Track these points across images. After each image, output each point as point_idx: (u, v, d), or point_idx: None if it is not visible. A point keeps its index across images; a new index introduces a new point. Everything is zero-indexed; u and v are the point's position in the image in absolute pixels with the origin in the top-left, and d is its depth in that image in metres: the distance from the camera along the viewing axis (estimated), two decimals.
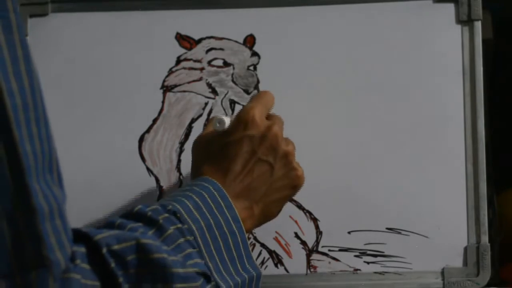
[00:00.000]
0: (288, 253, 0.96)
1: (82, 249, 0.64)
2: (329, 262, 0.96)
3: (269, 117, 0.85)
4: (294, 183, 0.84)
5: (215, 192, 0.78)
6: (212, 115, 0.86)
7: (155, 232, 0.71)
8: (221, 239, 0.76)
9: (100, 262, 0.64)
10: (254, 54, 0.99)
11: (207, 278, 0.72)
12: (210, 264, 0.74)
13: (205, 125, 0.98)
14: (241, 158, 0.81)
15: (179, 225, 0.73)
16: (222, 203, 0.78)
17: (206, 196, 0.77)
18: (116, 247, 0.65)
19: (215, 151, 0.82)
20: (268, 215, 0.83)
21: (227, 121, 0.82)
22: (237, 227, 0.77)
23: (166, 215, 0.73)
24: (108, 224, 0.71)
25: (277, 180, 0.82)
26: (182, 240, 0.72)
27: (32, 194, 0.58)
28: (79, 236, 0.65)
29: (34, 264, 0.58)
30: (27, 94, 0.60)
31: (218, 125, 0.82)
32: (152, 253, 0.67)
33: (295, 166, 0.84)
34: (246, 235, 0.78)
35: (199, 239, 0.74)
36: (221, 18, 0.99)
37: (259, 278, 0.79)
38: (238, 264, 0.77)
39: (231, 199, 0.78)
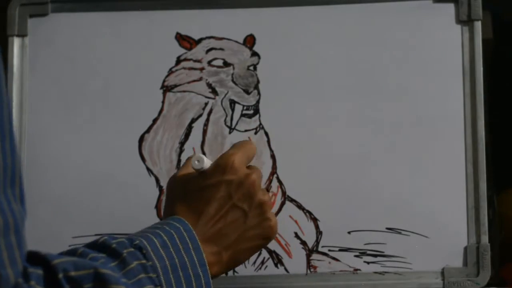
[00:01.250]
0: (288, 253, 0.96)
1: (39, 271, 0.63)
2: (329, 262, 0.96)
3: (249, 167, 0.85)
4: (266, 234, 0.83)
5: (184, 233, 0.77)
6: (191, 155, 0.86)
7: (117, 264, 0.71)
8: (184, 280, 0.75)
9: (55, 286, 0.64)
10: (254, 54, 0.99)
11: None
12: None
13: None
14: (216, 202, 0.80)
15: (143, 261, 0.72)
16: (190, 245, 0.77)
17: (175, 236, 0.76)
18: (73, 273, 0.65)
19: (192, 192, 0.81)
20: (236, 262, 0.82)
21: (206, 160, 0.82)
22: (203, 270, 0.76)
23: (131, 249, 0.72)
24: (70, 251, 0.70)
25: (249, 229, 0.81)
26: (143, 275, 0.71)
27: None
28: (38, 258, 0.65)
29: None
30: None
31: (196, 162, 0.81)
32: (110, 283, 0.66)
33: (269, 217, 0.82)
34: (211, 280, 0.77)
35: (162, 277, 0.73)
36: (221, 18, 0.99)
37: None
38: None
39: (200, 242, 0.77)
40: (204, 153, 0.98)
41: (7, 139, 0.60)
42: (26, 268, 0.62)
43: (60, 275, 0.64)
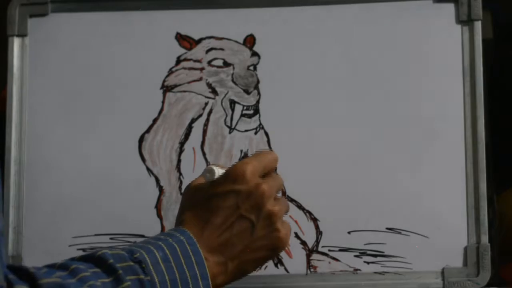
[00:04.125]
0: (288, 253, 0.96)
1: None
2: (329, 262, 0.96)
3: (266, 176, 0.83)
4: (274, 245, 0.81)
5: (188, 247, 0.76)
6: (208, 167, 0.85)
7: (111, 281, 0.70)
8: None
9: None
10: (254, 54, 0.99)
11: None
12: None
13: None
14: (223, 211, 0.79)
15: (141, 276, 0.72)
16: (193, 259, 0.76)
17: (178, 249, 0.76)
18: None
19: (200, 200, 0.81)
20: (243, 273, 0.81)
21: (217, 171, 0.81)
22: (204, 285, 0.75)
23: (131, 263, 0.72)
24: (63, 264, 0.70)
25: (256, 240, 0.80)
26: None
27: None
28: (26, 275, 0.64)
29: None
30: None
31: (208, 175, 0.80)
32: None
33: (278, 228, 0.81)
34: None
35: None
36: (221, 18, 0.99)
37: None
38: None
39: (205, 252, 0.77)
40: (204, 153, 0.98)
41: None
42: (13, 284, 0.62)
43: None
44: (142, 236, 0.96)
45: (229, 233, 0.79)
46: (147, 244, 0.75)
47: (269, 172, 0.83)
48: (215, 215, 0.79)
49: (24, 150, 0.98)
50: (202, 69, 0.99)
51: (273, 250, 0.82)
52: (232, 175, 0.80)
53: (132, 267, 0.72)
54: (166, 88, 0.99)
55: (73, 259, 0.71)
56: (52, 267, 0.69)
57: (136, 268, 0.72)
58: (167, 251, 0.75)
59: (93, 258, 0.72)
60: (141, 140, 0.98)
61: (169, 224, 0.97)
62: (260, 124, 0.98)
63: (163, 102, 0.99)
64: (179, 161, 0.98)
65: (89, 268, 0.70)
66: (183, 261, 0.75)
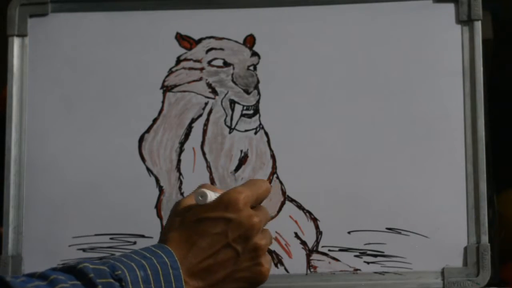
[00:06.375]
0: (288, 253, 0.96)
1: None
2: (329, 262, 0.96)
3: (256, 207, 0.84)
4: (255, 279, 0.82)
5: (171, 271, 0.76)
6: (198, 188, 0.85)
7: None
8: None
9: None
10: (254, 54, 0.99)
11: None
12: None
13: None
14: (211, 237, 0.79)
15: None
16: (173, 285, 0.76)
17: (160, 272, 0.75)
18: None
19: (190, 221, 0.81)
20: None
21: (210, 195, 0.81)
22: None
23: (111, 280, 0.72)
24: (42, 274, 0.70)
25: (239, 271, 0.81)
26: None
27: None
28: (1, 283, 0.65)
29: None
30: None
31: (200, 198, 0.80)
32: None
33: (262, 262, 0.82)
34: None
35: None
36: (221, 18, 0.99)
37: None
38: None
39: (186, 275, 0.77)
40: (204, 153, 0.98)
41: None
42: None
43: None
44: (142, 236, 0.96)
45: (213, 260, 0.79)
46: (131, 260, 0.75)
47: (260, 203, 0.83)
48: (202, 239, 0.79)
49: (24, 150, 0.98)
50: (202, 69, 0.99)
51: (253, 284, 0.82)
52: (224, 201, 0.80)
53: (112, 285, 0.72)
54: (166, 88, 0.99)
55: (54, 269, 0.71)
56: (32, 276, 0.69)
57: (115, 286, 0.72)
58: (149, 272, 0.75)
59: (74, 270, 0.72)
60: (141, 140, 0.98)
61: None
62: (260, 124, 0.98)
63: (163, 102, 0.99)
64: (179, 161, 0.98)
65: (69, 280, 0.70)
66: (163, 285, 0.75)
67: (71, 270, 0.72)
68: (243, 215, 0.80)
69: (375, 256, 0.95)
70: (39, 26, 1.00)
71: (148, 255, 0.77)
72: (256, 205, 0.84)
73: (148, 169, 0.98)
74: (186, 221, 0.81)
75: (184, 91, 0.99)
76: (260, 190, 0.84)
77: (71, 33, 1.00)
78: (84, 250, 0.96)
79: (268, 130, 0.98)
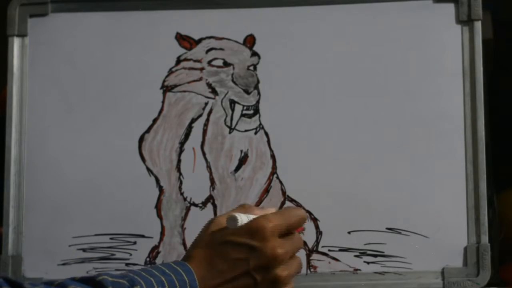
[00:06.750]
0: None
1: None
2: (329, 262, 0.96)
3: (286, 237, 0.81)
4: None
5: None
6: (238, 207, 0.84)
7: None
8: None
9: None
10: (254, 54, 0.99)
11: None
12: None
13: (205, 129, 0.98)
14: (232, 262, 0.79)
15: None
16: None
17: None
18: None
19: (215, 242, 0.80)
20: None
21: (241, 220, 0.80)
22: None
23: None
24: (60, 284, 0.70)
25: None
26: None
27: None
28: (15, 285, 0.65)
29: None
30: None
31: (231, 222, 0.79)
32: None
33: None
34: None
35: None
36: (221, 18, 0.99)
37: None
38: None
39: None
40: (204, 153, 0.98)
41: None
42: None
43: None
44: (142, 236, 0.96)
45: (231, 285, 0.78)
46: (150, 275, 0.75)
47: (292, 231, 0.82)
48: (223, 263, 0.78)
49: (24, 150, 0.98)
50: (202, 69, 0.99)
51: None
52: (252, 228, 0.79)
53: None
54: (166, 88, 0.99)
55: (73, 279, 0.71)
56: (51, 284, 0.69)
57: None
58: None
59: (93, 281, 0.72)
60: (141, 140, 0.98)
61: (169, 224, 0.97)
62: (260, 124, 0.98)
63: (163, 102, 0.99)
64: (179, 161, 0.98)
65: None
66: None
67: (90, 281, 0.72)
68: (268, 245, 0.79)
69: (375, 256, 0.95)
70: (39, 26, 1.00)
71: (168, 271, 0.76)
72: (287, 233, 0.82)
73: (148, 169, 0.98)
74: (213, 241, 0.80)
75: (184, 91, 0.99)
76: (293, 219, 0.82)
77: (71, 33, 1.00)
78: (84, 250, 0.96)
79: (268, 130, 0.98)
